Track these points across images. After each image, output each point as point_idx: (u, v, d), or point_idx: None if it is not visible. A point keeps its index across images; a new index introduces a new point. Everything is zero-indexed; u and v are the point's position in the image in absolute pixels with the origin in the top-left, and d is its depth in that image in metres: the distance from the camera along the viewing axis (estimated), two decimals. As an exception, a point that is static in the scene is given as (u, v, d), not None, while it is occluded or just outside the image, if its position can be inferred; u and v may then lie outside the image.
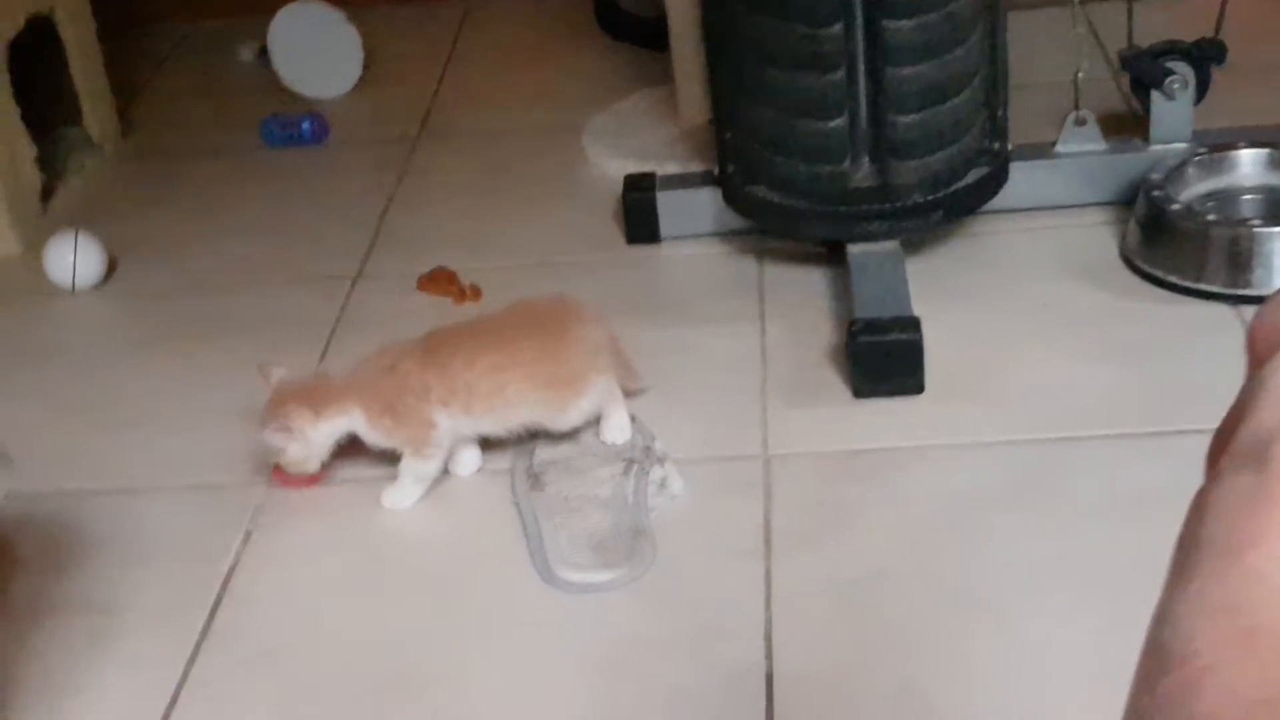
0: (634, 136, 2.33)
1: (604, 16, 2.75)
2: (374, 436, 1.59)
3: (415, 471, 1.59)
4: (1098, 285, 1.85)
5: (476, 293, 1.97)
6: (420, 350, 1.60)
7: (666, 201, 2.04)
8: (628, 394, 1.68)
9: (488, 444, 1.63)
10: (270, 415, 1.57)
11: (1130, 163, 1.97)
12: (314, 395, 1.59)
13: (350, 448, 1.66)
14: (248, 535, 1.57)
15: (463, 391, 1.58)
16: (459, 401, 1.58)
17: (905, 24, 1.75)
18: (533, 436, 1.64)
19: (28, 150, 2.21)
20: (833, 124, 1.81)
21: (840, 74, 1.78)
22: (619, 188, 2.09)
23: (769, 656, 1.34)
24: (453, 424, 1.58)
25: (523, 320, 1.64)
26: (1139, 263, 1.85)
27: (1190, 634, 0.46)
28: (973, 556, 1.44)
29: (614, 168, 2.23)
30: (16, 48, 2.20)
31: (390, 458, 1.62)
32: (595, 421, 1.64)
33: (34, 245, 2.13)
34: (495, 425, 1.61)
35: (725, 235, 2.03)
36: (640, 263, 2.03)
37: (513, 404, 1.59)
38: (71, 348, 1.97)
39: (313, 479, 1.63)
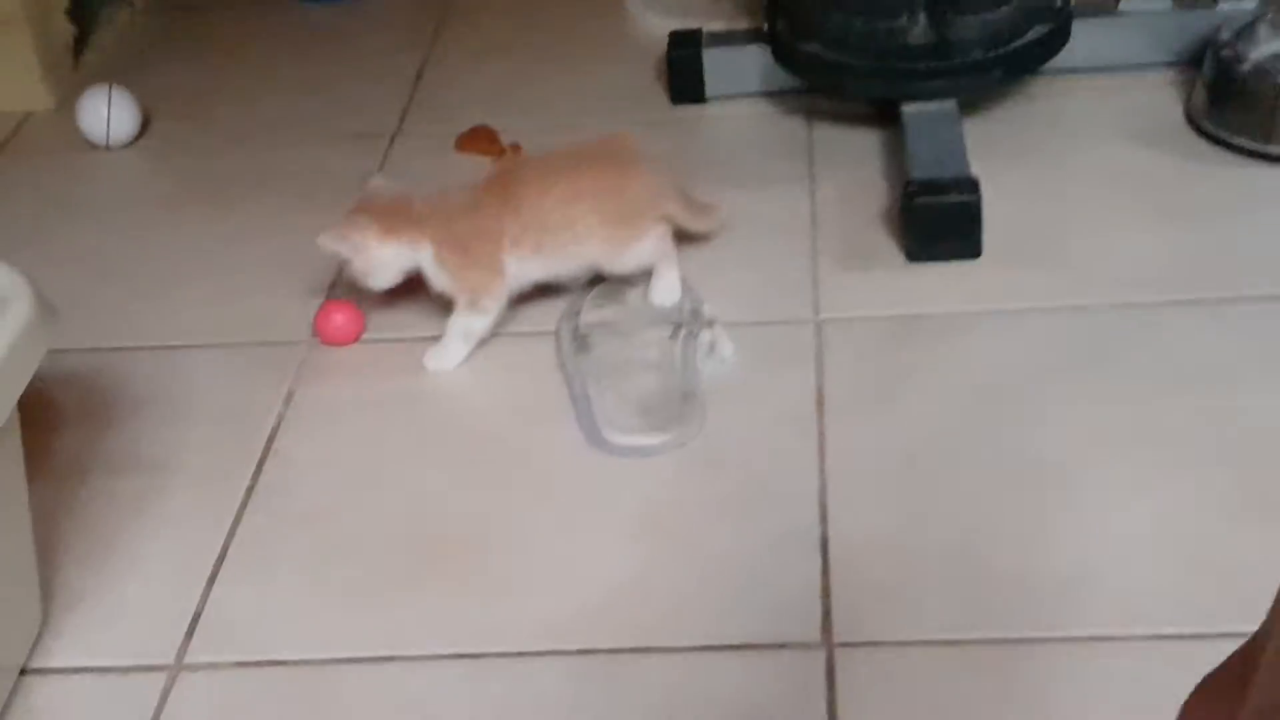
0: (679, -8, 2.27)
1: None
2: (437, 275, 1.56)
3: (466, 327, 1.56)
4: (1162, 148, 1.79)
5: (518, 151, 1.93)
6: (499, 188, 1.58)
7: (713, 59, 1.98)
8: (702, 234, 1.67)
9: (536, 301, 1.60)
10: (341, 222, 1.56)
11: (1197, 21, 1.90)
12: (390, 215, 1.56)
13: (397, 301, 1.63)
14: (290, 394, 1.55)
15: (534, 227, 1.55)
16: (530, 239, 1.55)
17: (969, -128, 1.68)
18: (588, 285, 1.61)
19: (59, 2, 2.16)
20: (890, -23, 1.74)
21: (900, -76, 1.71)
22: (663, 45, 2.03)
23: (824, 521, 1.32)
24: (519, 269, 1.56)
25: (590, 155, 1.61)
26: (1205, 125, 1.79)
27: None
28: (1030, 422, 1.41)
29: (657, 24, 2.17)
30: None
31: (435, 315, 1.60)
32: (643, 283, 1.61)
33: (67, 100, 2.09)
34: (560, 266, 1.58)
35: (773, 95, 1.98)
36: (685, 122, 1.98)
37: (580, 239, 1.57)
38: (107, 204, 1.94)
39: (354, 335, 1.60)
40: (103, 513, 1.41)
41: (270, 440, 1.48)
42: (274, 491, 1.42)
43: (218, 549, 1.36)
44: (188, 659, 1.25)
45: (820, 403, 1.46)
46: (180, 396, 1.56)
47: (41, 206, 1.93)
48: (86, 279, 1.75)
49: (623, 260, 1.59)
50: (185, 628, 1.28)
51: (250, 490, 1.42)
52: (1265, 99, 1.73)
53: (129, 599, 1.32)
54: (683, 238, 1.65)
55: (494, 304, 1.56)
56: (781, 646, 1.20)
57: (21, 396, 1.15)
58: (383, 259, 1.56)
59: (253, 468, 1.45)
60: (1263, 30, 1.85)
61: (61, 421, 1.53)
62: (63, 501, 1.42)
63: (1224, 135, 1.77)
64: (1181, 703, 0.64)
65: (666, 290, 1.60)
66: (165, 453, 1.48)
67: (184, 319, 1.68)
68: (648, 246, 1.59)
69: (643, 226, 1.59)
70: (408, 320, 1.64)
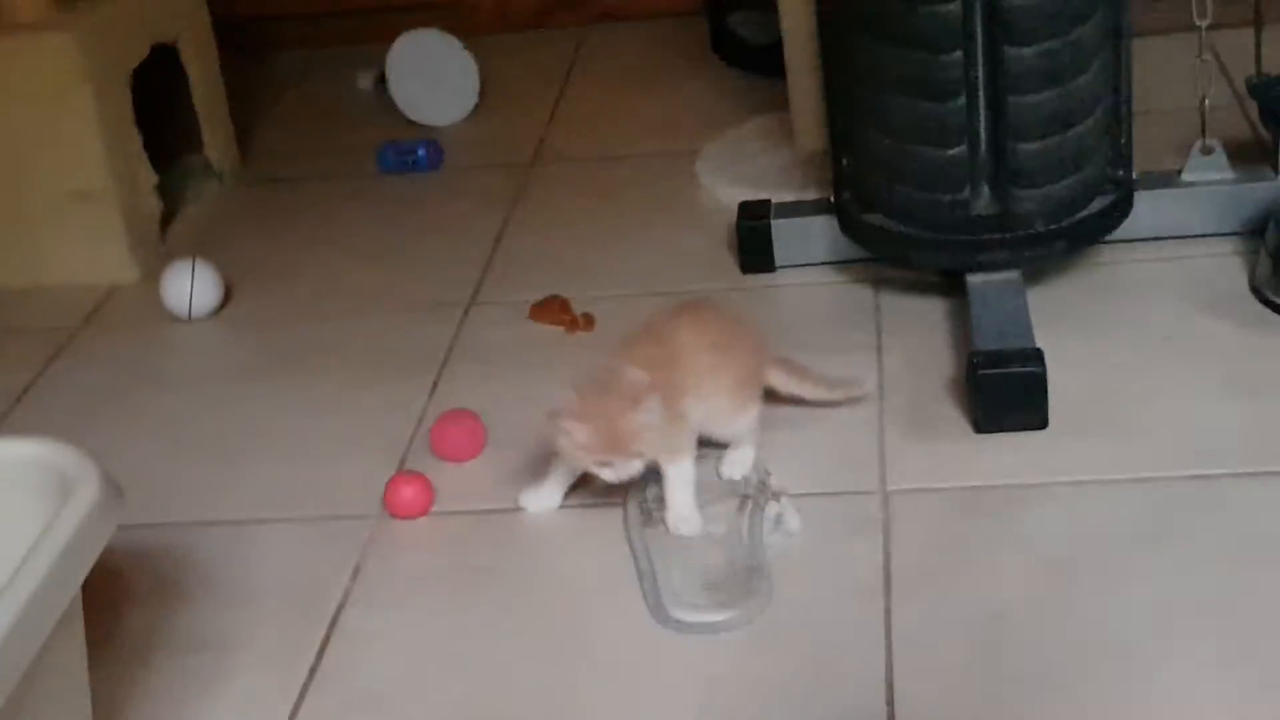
0: (748, 164, 2.31)
1: (720, 43, 2.73)
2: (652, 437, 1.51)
3: (682, 476, 1.55)
4: (1226, 317, 1.79)
5: (590, 322, 1.96)
6: (654, 343, 1.57)
7: (782, 229, 2.01)
8: (831, 404, 1.69)
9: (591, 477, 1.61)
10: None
11: (1259, 192, 1.90)
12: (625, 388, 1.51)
13: (467, 473, 1.66)
14: (357, 569, 1.56)
15: (692, 380, 1.54)
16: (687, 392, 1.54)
17: (1027, 51, 1.70)
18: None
19: (148, 178, 2.24)
20: (952, 151, 1.77)
21: (961, 101, 1.74)
22: (733, 215, 2.07)
23: (890, 703, 1.30)
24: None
25: (708, 314, 1.62)
26: (1270, 295, 1.79)
27: None
28: (1103, 599, 1.39)
29: (728, 195, 2.21)
30: (140, 75, 2.23)
31: (503, 486, 1.61)
32: (711, 455, 1.61)
33: (152, 273, 2.16)
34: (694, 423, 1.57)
35: (841, 264, 2.00)
36: (755, 291, 2.00)
37: (709, 397, 1.56)
38: (186, 377, 1.98)
39: (423, 508, 1.62)
40: (166, 693, 1.42)
41: (335, 618, 1.49)
42: (339, 671, 1.43)
43: (281, 729, 1.37)
44: (249, 840, 1.26)
45: (887, 578, 1.45)
46: (247, 572, 1.58)
47: (121, 378, 1.98)
48: (159, 451, 1.79)
49: (732, 424, 1.60)
50: (248, 810, 1.28)
51: (314, 670, 1.43)
52: (1332, 268, 1.73)
53: (191, 779, 1.33)
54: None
55: (689, 444, 1.55)
56: (844, 832, 1.19)
57: (88, 575, 1.17)
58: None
59: (317, 646, 1.46)
60: (1327, 201, 1.85)
61: (129, 598, 1.55)
62: (126, 681, 1.43)
63: (1289, 305, 1.76)
64: None
65: (740, 463, 1.61)
66: (230, 631, 1.49)
67: (254, 492, 1.70)
68: (754, 413, 1.60)
69: (758, 391, 1.61)
70: (477, 492, 1.65)
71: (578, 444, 1.48)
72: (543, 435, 1.54)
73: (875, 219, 1.88)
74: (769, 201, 2.06)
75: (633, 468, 1.50)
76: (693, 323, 1.59)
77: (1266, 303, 1.79)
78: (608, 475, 1.50)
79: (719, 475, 1.61)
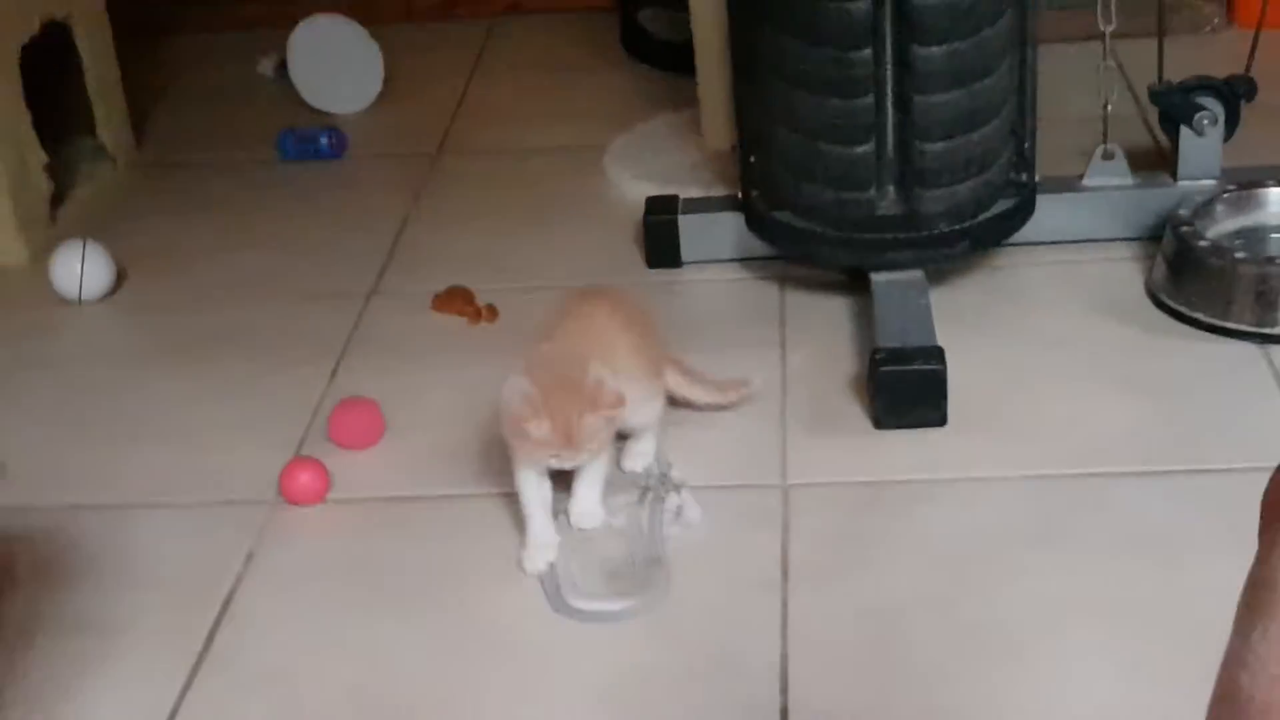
0: (656, 159, 2.30)
1: (630, 38, 2.73)
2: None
3: (598, 471, 1.52)
4: (1123, 320, 1.81)
5: (493, 313, 1.94)
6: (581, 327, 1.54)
7: (689, 225, 2.01)
8: (721, 407, 1.68)
9: (489, 468, 1.60)
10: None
11: (1158, 198, 1.93)
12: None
13: (362, 460, 1.63)
14: (250, 554, 1.53)
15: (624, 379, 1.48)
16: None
17: (935, 50, 1.72)
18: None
19: (38, 157, 2.19)
20: (859, 150, 1.77)
21: (869, 99, 1.75)
22: (640, 211, 2.06)
23: (784, 691, 1.30)
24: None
25: (613, 301, 1.59)
26: (1165, 299, 1.82)
27: (1274, 679, 0.43)
28: (995, 592, 1.40)
29: (635, 190, 2.20)
30: (31, 53, 2.17)
31: (401, 474, 1.59)
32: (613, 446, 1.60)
33: (41, 255, 2.10)
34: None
35: (747, 261, 2.00)
36: (661, 287, 1.99)
37: (626, 384, 1.49)
38: (75, 360, 1.94)
39: (319, 495, 1.59)
40: (50, 675, 1.38)
41: (227, 602, 1.46)
42: (228, 655, 1.40)
43: (166, 713, 1.33)
44: (133, 827, 1.23)
45: (785, 569, 1.45)
46: (138, 556, 1.54)
47: (6, 359, 1.93)
48: (46, 434, 1.74)
49: (640, 411, 1.55)
50: (129, 795, 1.25)
51: (203, 653, 1.40)
52: (1222, 275, 1.76)
53: (75, 763, 1.29)
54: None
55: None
56: (738, 822, 1.18)
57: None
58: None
59: (208, 630, 1.43)
60: (1220, 208, 1.89)
61: (10, 580, 1.51)
62: (6, 663, 1.39)
63: (1183, 309, 1.79)
64: None
65: (641, 455, 1.60)
66: (118, 614, 1.46)
67: (146, 477, 1.67)
68: (660, 403, 1.59)
69: (663, 382, 1.60)
70: (375, 479, 1.63)
71: (537, 439, 1.44)
72: (502, 417, 1.46)
73: (782, 216, 1.88)
74: (676, 197, 2.06)
75: (579, 459, 1.47)
76: (610, 305, 1.58)
77: (1162, 306, 1.81)
78: (554, 464, 1.47)
79: (620, 467, 1.59)
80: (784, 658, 1.34)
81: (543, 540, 1.48)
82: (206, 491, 1.63)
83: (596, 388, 1.44)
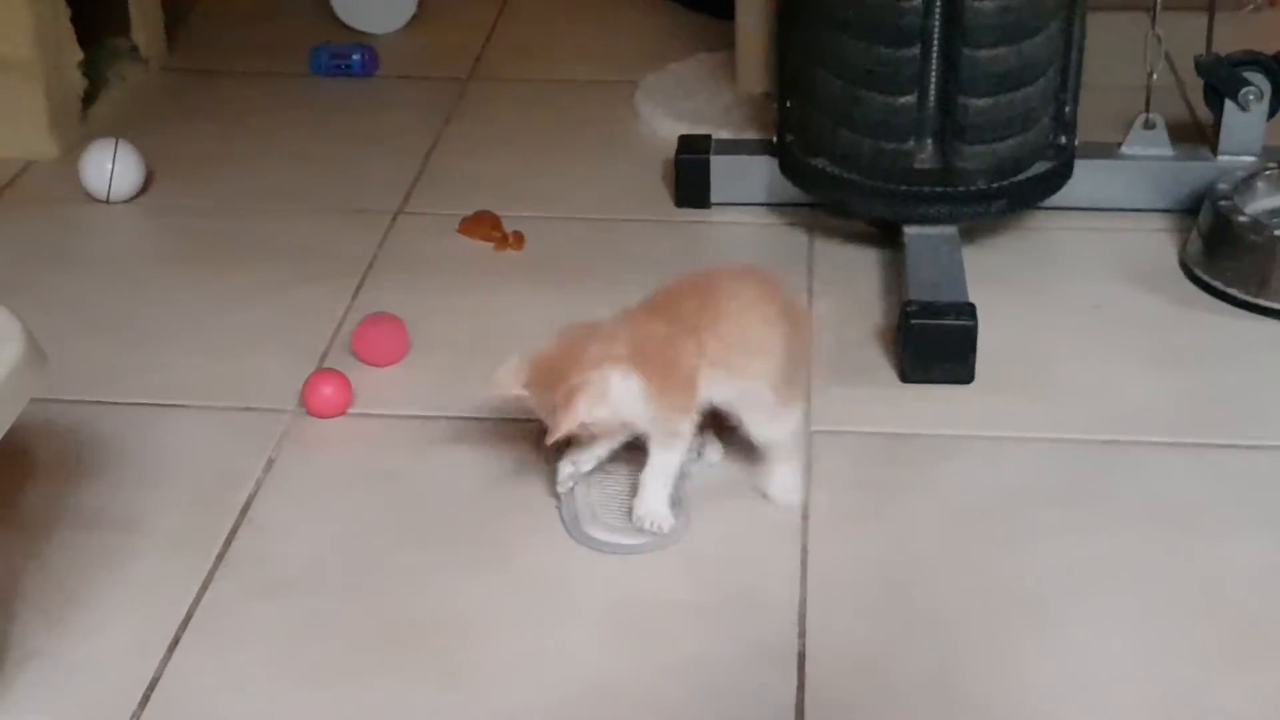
0: (688, 99, 2.29)
1: (667, -24, 2.70)
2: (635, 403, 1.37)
3: (664, 465, 1.41)
4: (1155, 291, 1.81)
5: (520, 240, 1.93)
6: (694, 298, 1.42)
7: (720, 166, 1.99)
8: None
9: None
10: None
11: (1196, 171, 1.92)
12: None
13: (387, 376, 1.63)
14: (270, 462, 1.53)
15: (736, 346, 1.40)
16: (726, 358, 1.40)
17: (986, 4, 1.70)
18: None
19: (73, 54, 2.17)
20: (902, 100, 1.76)
21: (915, 49, 1.73)
22: (669, 149, 2.05)
23: (802, 635, 1.30)
24: (706, 391, 1.40)
25: (772, 286, 1.46)
26: (1199, 272, 1.81)
27: None
28: (1013, 550, 1.40)
29: (666, 128, 2.19)
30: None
31: (425, 391, 1.59)
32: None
33: (70, 151, 2.09)
34: (732, 393, 1.42)
35: (777, 207, 1.99)
36: (687, 227, 1.98)
37: (760, 370, 1.41)
38: (102, 258, 1.93)
39: (341, 408, 1.59)
40: (68, 568, 1.38)
41: (246, 508, 1.46)
42: (245, 561, 1.40)
43: (182, 615, 1.33)
44: (141, 725, 1.23)
45: (805, 514, 1.45)
46: (158, 456, 1.54)
47: (35, 255, 1.92)
48: (73, 330, 1.74)
49: (765, 427, 1.44)
50: (140, 694, 1.25)
51: (220, 557, 1.40)
52: (1260, 252, 1.75)
53: (86, 659, 1.29)
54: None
55: (690, 428, 1.40)
56: (750, 759, 1.19)
57: (-3, 443, 1.13)
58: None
59: (225, 535, 1.43)
60: (1261, 185, 1.88)
61: (34, 472, 1.51)
62: (28, 552, 1.39)
63: (1216, 284, 1.78)
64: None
65: (782, 486, 1.47)
66: (137, 512, 1.46)
67: (169, 378, 1.66)
68: (792, 421, 1.46)
69: (799, 394, 1.46)
70: (397, 396, 1.63)
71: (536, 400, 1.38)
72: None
73: (817, 163, 1.87)
74: (709, 136, 2.05)
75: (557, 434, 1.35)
76: (761, 291, 1.44)
77: (1195, 280, 1.81)
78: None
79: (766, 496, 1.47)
80: (803, 601, 1.34)
81: (569, 466, 1.46)
82: (229, 397, 1.63)
83: (596, 375, 1.35)
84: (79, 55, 2.18)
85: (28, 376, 1.13)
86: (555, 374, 1.36)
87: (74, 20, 2.16)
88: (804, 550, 1.40)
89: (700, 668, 1.27)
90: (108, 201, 2.02)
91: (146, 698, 1.24)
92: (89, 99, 2.24)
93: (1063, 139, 1.87)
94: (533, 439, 1.52)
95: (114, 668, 1.28)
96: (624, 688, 1.25)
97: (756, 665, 1.27)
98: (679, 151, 2.02)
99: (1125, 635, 1.30)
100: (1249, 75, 1.90)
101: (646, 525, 1.41)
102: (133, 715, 1.23)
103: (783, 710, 1.22)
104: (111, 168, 2.00)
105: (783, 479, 1.47)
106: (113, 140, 2.02)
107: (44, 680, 1.26)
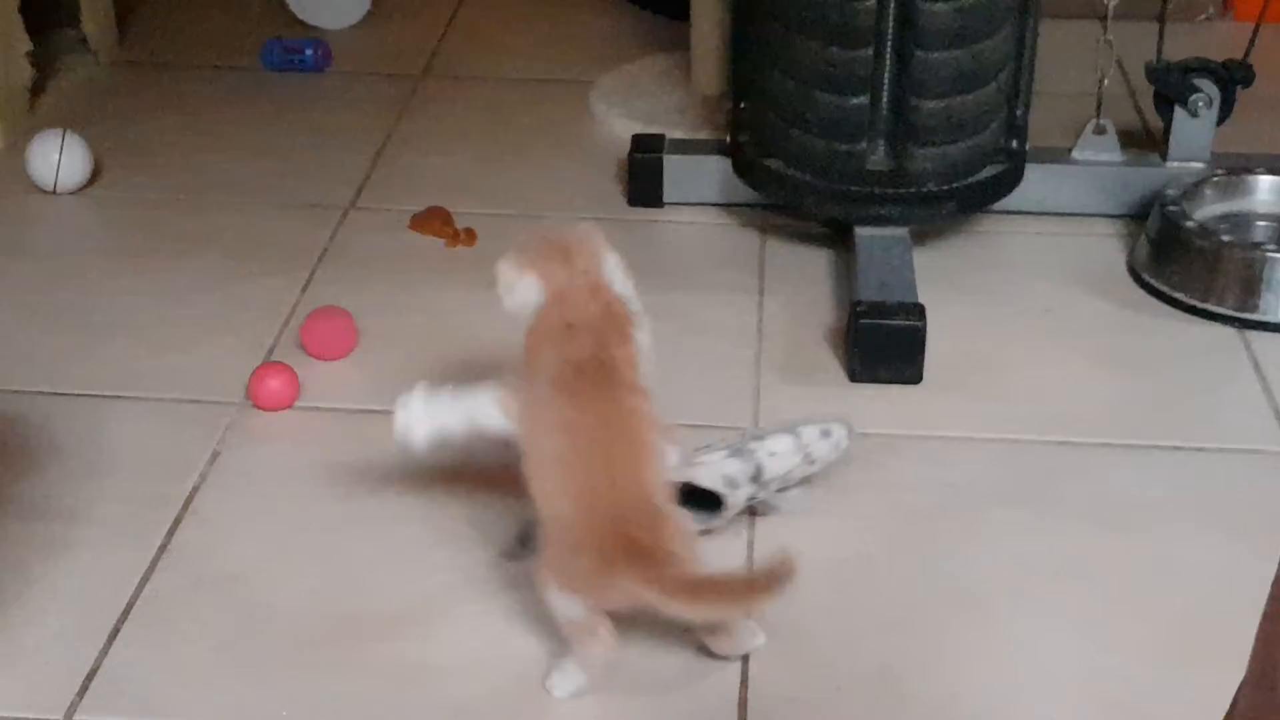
0: (642, 99, 2.29)
1: (622, -23, 2.70)
2: None
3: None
4: (1103, 295, 1.82)
5: (471, 236, 1.92)
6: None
7: (674, 165, 1.99)
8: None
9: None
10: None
11: (1146, 176, 1.94)
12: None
13: (334, 370, 1.61)
14: (215, 455, 1.52)
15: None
16: None
17: (940, 6, 1.71)
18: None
19: (21, 44, 2.15)
20: (854, 101, 1.77)
21: (869, 50, 1.74)
22: (623, 148, 2.05)
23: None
24: None
25: None
26: (1147, 277, 1.82)
27: None
28: (960, 548, 1.41)
29: (620, 127, 2.19)
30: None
31: (370, 385, 1.58)
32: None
33: (17, 142, 2.07)
34: None
35: (730, 207, 1.99)
36: (640, 225, 1.98)
37: None
38: (47, 248, 1.91)
39: (288, 401, 1.58)
40: (8, 557, 1.36)
41: (189, 500, 1.45)
42: (187, 552, 1.38)
43: (123, 605, 1.32)
44: (78, 715, 1.21)
45: (752, 513, 1.45)
46: (102, 447, 1.52)
47: (-21, 245, 1.90)
48: (14, 320, 1.72)
49: None
50: (80, 683, 1.24)
51: (163, 548, 1.39)
52: (1207, 257, 1.76)
53: (25, 647, 1.27)
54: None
55: None
56: (694, 753, 1.18)
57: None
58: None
59: (168, 526, 1.41)
60: (1209, 191, 1.89)
61: (-25, 461, 1.49)
62: (-34, 542, 1.38)
63: (1164, 289, 1.79)
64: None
65: None
66: (80, 503, 1.44)
67: (115, 369, 1.65)
68: None
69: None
70: (344, 391, 1.62)
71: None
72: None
73: (770, 163, 1.87)
74: (663, 136, 2.05)
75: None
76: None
77: (1143, 284, 1.82)
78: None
79: None
80: (748, 597, 1.33)
81: None
82: (174, 389, 1.61)
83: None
84: (27, 45, 2.16)
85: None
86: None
87: (22, 10, 2.14)
88: (750, 545, 1.40)
89: (647, 663, 1.27)
90: (54, 192, 2.00)
91: (85, 687, 1.23)
92: (37, 90, 2.21)
93: (1014, 143, 1.88)
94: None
95: (53, 656, 1.26)
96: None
97: (701, 662, 1.27)
98: (632, 150, 2.02)
99: (1069, 633, 1.31)
100: (1198, 82, 1.92)
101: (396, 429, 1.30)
102: (71, 704, 1.22)
103: (726, 704, 1.22)
104: (59, 158, 1.98)
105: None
106: (60, 131, 2.00)
107: (-19, 669, 1.25)
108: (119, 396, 1.60)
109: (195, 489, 1.46)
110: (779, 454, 1.43)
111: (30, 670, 1.25)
